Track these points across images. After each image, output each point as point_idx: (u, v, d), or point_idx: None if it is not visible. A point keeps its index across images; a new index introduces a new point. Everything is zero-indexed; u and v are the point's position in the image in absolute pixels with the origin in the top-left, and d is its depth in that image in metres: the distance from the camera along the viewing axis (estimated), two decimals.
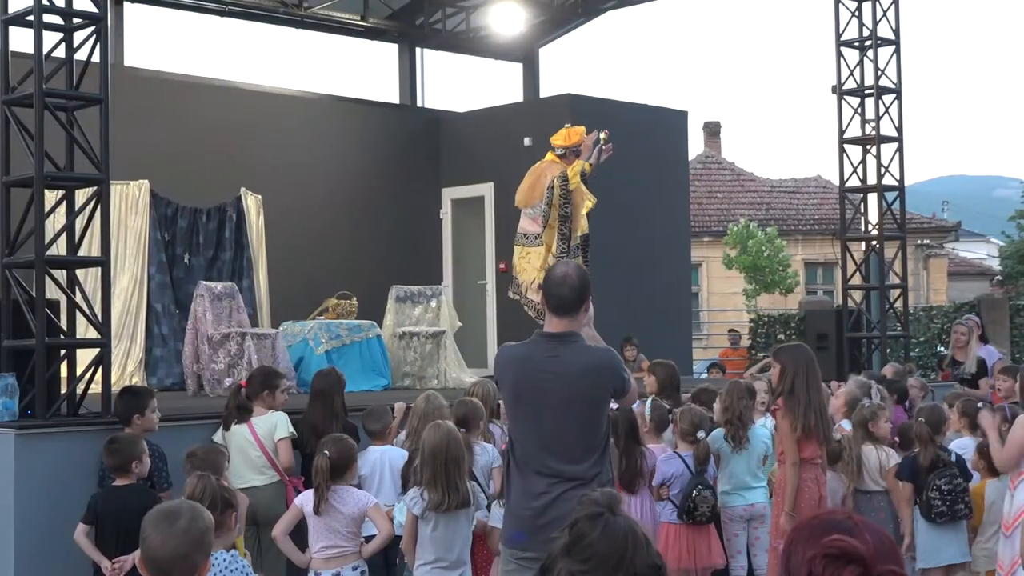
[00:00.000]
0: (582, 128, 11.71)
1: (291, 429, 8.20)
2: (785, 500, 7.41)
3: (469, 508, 6.67)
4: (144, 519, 3.89)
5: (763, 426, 8.82)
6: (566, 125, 11.90)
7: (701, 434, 8.11)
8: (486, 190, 17.19)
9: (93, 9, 8.58)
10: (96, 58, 8.56)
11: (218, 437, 8.23)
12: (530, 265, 11.43)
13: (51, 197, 8.61)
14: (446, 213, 17.78)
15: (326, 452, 6.80)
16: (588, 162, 11.30)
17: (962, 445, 8.70)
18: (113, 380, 8.80)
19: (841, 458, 8.45)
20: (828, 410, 7.51)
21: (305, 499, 6.98)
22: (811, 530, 2.36)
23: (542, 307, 5.65)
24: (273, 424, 8.19)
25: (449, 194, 17.76)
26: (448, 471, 6.53)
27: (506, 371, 5.57)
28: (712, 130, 42.15)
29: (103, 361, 8.38)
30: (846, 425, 9.16)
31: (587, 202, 11.36)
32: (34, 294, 8.18)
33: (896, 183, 15.68)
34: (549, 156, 11.72)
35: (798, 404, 7.24)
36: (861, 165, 15.75)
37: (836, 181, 16.35)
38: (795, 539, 2.38)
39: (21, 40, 8.69)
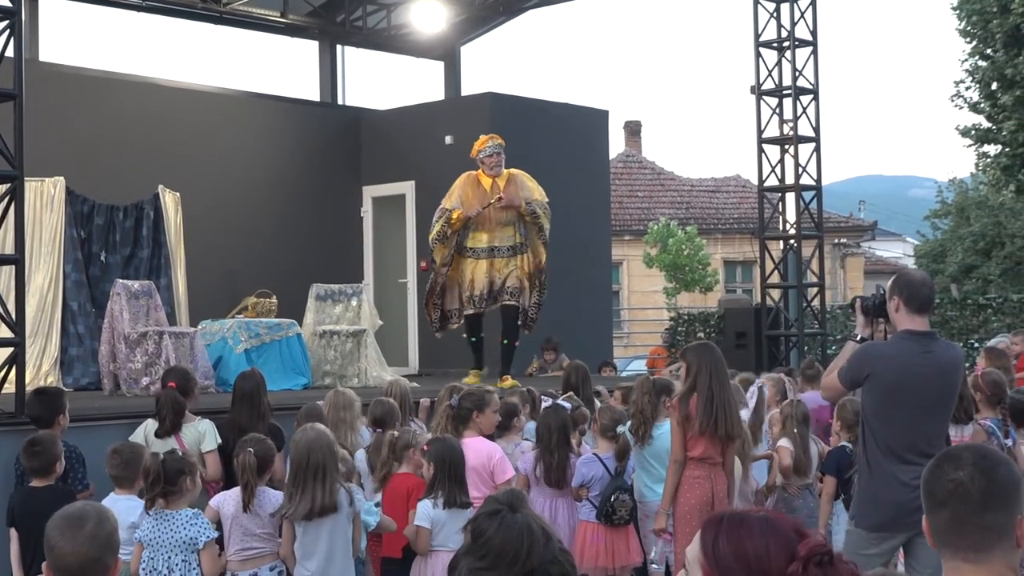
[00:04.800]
0: (485, 137, 12.22)
1: (219, 439, 8.09)
2: (663, 500, 7.52)
3: (337, 513, 6.56)
4: (48, 526, 3.84)
5: None
6: (481, 136, 12.30)
7: (621, 428, 8.14)
8: (407, 188, 17.16)
9: (7, 3, 8.45)
10: (10, 53, 8.43)
11: (138, 439, 8.01)
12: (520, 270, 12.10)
13: None
14: (367, 211, 17.72)
15: (251, 450, 6.74)
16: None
17: None
18: (28, 380, 8.68)
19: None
20: (735, 408, 7.53)
21: (221, 501, 6.90)
22: (766, 535, 2.31)
23: (894, 311, 6.15)
24: (200, 434, 8.07)
25: (370, 192, 17.70)
26: (315, 476, 6.46)
27: (882, 367, 6.09)
28: (633, 129, 42.36)
29: (17, 360, 8.26)
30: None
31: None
32: None
33: (813, 183, 15.88)
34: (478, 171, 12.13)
35: (700, 401, 7.26)
36: (779, 165, 15.93)
37: (755, 180, 16.53)
38: (734, 535, 2.33)
39: None
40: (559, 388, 9.75)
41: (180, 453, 6.66)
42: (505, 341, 12.18)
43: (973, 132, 26.78)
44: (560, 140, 17.05)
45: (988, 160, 27.15)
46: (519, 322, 12.22)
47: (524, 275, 12.05)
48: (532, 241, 12.13)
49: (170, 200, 13.68)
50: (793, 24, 15.58)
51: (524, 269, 12.05)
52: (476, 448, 7.70)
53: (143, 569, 6.27)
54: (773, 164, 15.95)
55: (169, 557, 6.22)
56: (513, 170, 12.16)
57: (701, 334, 20.31)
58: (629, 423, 8.52)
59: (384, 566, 7.45)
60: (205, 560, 6.27)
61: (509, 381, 11.77)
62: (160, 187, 13.67)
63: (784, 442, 8.86)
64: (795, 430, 8.82)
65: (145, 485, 6.34)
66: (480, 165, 12.04)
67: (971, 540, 2.93)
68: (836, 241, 36.63)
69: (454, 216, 11.75)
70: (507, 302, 11.99)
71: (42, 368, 12.17)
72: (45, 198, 12.68)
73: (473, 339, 12.27)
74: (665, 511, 7.48)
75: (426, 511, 6.80)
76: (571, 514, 8.05)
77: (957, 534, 2.94)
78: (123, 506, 6.60)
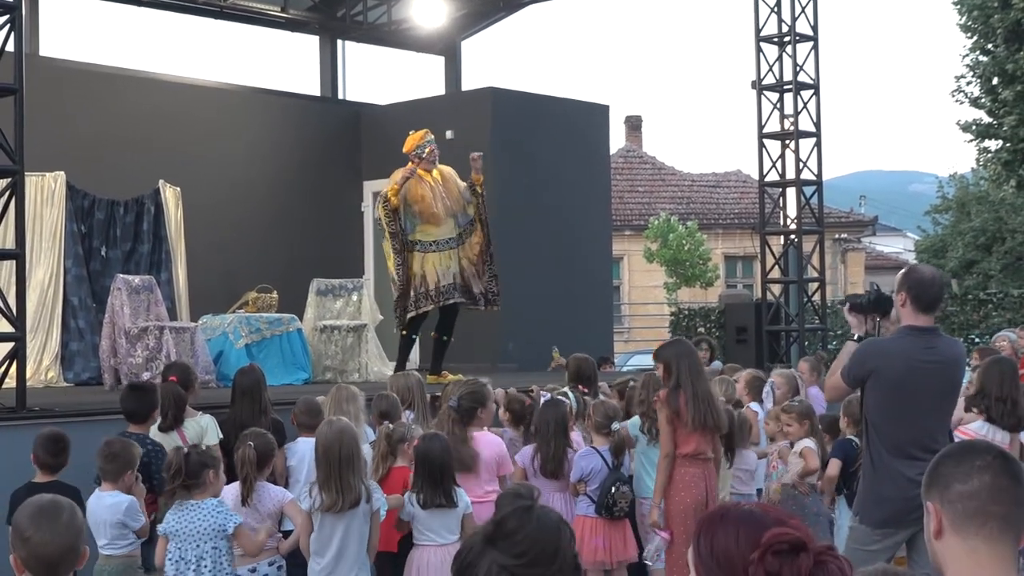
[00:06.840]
0: (420, 132, 12.12)
1: (220, 434, 8.08)
2: (655, 494, 7.52)
3: (358, 508, 6.55)
4: (19, 518, 3.87)
5: None
6: (410, 132, 12.16)
7: (616, 425, 8.13)
8: None
9: None
10: (11, 47, 8.43)
11: None
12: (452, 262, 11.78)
13: None
14: (367, 206, 17.70)
15: (251, 443, 6.74)
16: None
17: None
18: (28, 375, 8.68)
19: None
20: (716, 399, 7.58)
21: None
22: (738, 527, 2.32)
23: (900, 305, 6.11)
24: (203, 428, 8.04)
25: (370, 187, 17.66)
26: (341, 471, 6.44)
27: (886, 364, 6.02)
28: (633, 124, 42.34)
29: (18, 355, 8.25)
30: (754, 407, 9.31)
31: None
32: None
33: (814, 177, 15.88)
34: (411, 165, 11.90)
35: (686, 396, 7.28)
36: (780, 160, 15.92)
37: (756, 175, 16.52)
38: (711, 533, 2.35)
39: None
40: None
41: (183, 447, 6.68)
42: (444, 338, 12.00)
43: (974, 127, 26.79)
44: (561, 135, 17.04)
45: (989, 155, 27.16)
46: (478, 306, 11.99)
47: (471, 263, 11.86)
48: (474, 225, 11.94)
49: (171, 195, 13.68)
50: (794, 19, 15.57)
51: (470, 256, 11.87)
52: (487, 442, 7.72)
53: (170, 560, 6.34)
54: (774, 159, 15.95)
55: (198, 546, 6.31)
56: (442, 165, 12.12)
57: (702, 329, 20.34)
58: (635, 419, 8.52)
59: (378, 560, 7.45)
60: (244, 540, 6.43)
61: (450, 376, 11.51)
62: (161, 182, 13.67)
63: (810, 443, 8.71)
64: (820, 428, 8.80)
65: (167, 477, 6.42)
66: (416, 160, 11.90)
67: (1006, 509, 2.81)
68: (837, 236, 36.63)
69: (390, 193, 11.59)
70: (457, 299, 11.88)
71: (43, 363, 12.18)
72: (46, 193, 12.68)
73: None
74: (657, 505, 7.48)
75: (407, 507, 6.86)
76: (567, 508, 8.04)
77: (994, 500, 2.80)
78: (108, 502, 6.57)
